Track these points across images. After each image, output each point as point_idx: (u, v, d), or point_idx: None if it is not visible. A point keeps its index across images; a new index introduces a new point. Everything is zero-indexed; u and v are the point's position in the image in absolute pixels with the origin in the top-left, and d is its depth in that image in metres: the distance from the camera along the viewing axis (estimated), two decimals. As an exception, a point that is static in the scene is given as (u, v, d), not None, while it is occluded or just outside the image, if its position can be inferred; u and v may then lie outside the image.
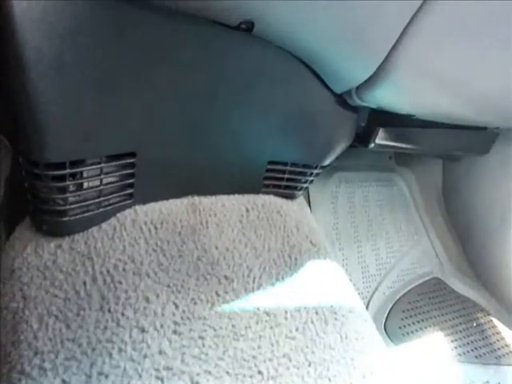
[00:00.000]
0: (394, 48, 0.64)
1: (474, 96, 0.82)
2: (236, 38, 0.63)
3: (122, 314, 0.60)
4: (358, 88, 0.75)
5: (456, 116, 0.95)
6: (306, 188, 0.99)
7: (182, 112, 0.68)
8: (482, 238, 1.36)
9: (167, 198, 0.77)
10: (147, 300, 0.63)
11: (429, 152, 1.26)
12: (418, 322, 1.18)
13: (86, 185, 0.63)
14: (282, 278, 0.78)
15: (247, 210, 0.85)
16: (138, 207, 0.72)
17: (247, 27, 0.61)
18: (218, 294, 0.69)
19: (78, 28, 0.50)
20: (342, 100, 0.82)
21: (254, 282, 0.75)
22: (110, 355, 0.55)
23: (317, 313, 0.76)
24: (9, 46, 0.47)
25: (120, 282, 0.62)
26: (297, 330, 0.70)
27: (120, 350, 0.56)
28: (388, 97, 0.77)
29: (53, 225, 0.63)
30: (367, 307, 1.14)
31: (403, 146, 1.09)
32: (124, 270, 0.64)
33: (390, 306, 1.17)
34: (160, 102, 0.64)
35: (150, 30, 0.56)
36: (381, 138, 1.02)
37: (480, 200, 1.33)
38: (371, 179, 1.32)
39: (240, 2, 0.55)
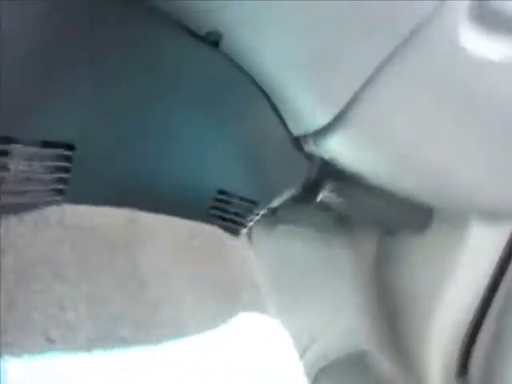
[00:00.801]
0: (352, 99, 0.64)
1: (419, 167, 0.83)
2: (200, 49, 0.63)
3: (30, 318, 0.50)
4: (314, 134, 0.75)
5: (400, 186, 0.96)
6: (251, 228, 0.94)
7: (129, 113, 0.64)
8: (408, 318, 1.35)
9: (103, 205, 0.69)
10: (62, 308, 0.54)
11: (368, 219, 1.27)
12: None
13: (12, 167, 0.55)
14: (217, 315, 0.71)
15: (190, 237, 0.79)
16: (67, 207, 0.64)
17: (214, 39, 0.61)
18: (144, 317, 0.61)
19: None
20: (297, 143, 0.82)
21: (185, 312, 0.67)
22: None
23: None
24: None
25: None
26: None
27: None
28: (342, 149, 0.78)
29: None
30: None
31: (347, 206, 1.09)
32: (41, 269, 0.55)
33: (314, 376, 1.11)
34: (106, 97, 0.61)
35: (105, 16, 0.55)
36: (327, 194, 1.01)
37: (410, 280, 1.33)
38: (311, 238, 1.29)
39: (210, 6, 0.55)
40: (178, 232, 0.77)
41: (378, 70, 0.60)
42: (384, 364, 1.32)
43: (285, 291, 1.15)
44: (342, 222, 1.37)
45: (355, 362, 1.27)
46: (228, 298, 0.75)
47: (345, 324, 1.32)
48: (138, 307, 0.62)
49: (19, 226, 0.57)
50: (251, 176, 0.85)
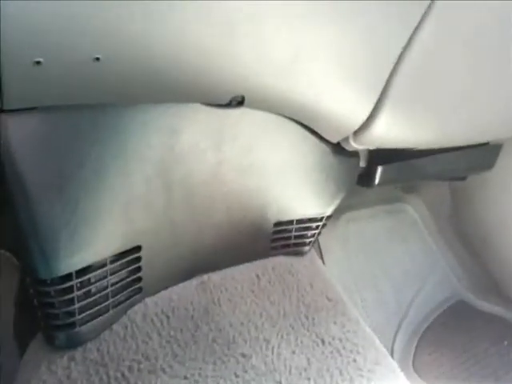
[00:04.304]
0: (384, 89, 0.64)
1: (473, 117, 0.81)
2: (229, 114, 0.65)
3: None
4: (354, 133, 0.74)
5: (457, 140, 0.94)
6: (315, 241, 0.98)
7: (181, 197, 0.69)
8: (502, 251, 1.32)
9: (177, 283, 0.76)
10: None
11: (433, 178, 1.25)
12: (447, 352, 1.15)
13: (93, 290, 0.64)
14: (301, 342, 0.77)
15: (258, 277, 0.84)
16: (147, 299, 0.72)
17: (238, 102, 0.62)
18: (236, 376, 0.69)
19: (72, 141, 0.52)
20: (339, 148, 0.82)
21: (272, 353, 0.74)
22: None
23: (341, 373, 0.74)
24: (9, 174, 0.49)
25: (136, 384, 0.62)
26: None
27: None
28: (385, 136, 0.77)
29: (65, 338, 0.63)
30: (392, 348, 1.12)
31: (406, 178, 1.08)
32: (139, 369, 0.64)
33: (416, 343, 1.14)
34: (154, 192, 0.65)
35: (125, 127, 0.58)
36: (383, 176, 1.01)
37: (493, 213, 1.30)
38: (379, 213, 1.30)
39: (230, 81, 0.56)
40: (245, 279, 0.83)
41: (402, 56, 0.59)
42: (486, 305, 1.31)
43: (367, 273, 1.18)
44: (407, 187, 1.36)
45: (457, 312, 1.28)
46: (307, 324, 0.80)
47: (438, 278, 1.34)
48: (230, 367, 0.69)
49: (111, 336, 0.67)
50: (304, 198, 0.87)
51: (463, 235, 1.41)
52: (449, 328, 1.22)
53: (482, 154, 1.14)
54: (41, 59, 0.41)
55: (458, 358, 1.14)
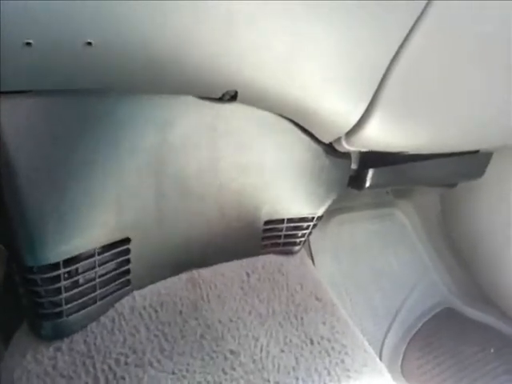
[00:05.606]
0: (377, 91, 0.64)
1: (464, 123, 0.81)
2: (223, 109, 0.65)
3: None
4: (346, 134, 0.75)
5: (448, 146, 0.94)
6: (306, 241, 0.98)
7: (173, 191, 0.69)
8: (490, 259, 1.33)
9: (166, 277, 0.76)
10: None
11: (423, 183, 1.25)
12: (435, 357, 1.15)
13: (81, 280, 0.63)
14: (290, 341, 0.77)
15: (247, 275, 0.84)
16: (136, 292, 0.72)
17: (231, 96, 0.62)
18: (225, 372, 0.68)
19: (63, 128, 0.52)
20: (331, 149, 0.82)
21: (261, 351, 0.73)
22: None
23: (329, 373, 0.74)
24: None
25: (123, 378, 0.61)
26: None
27: None
28: (376, 139, 0.77)
29: (50, 328, 0.62)
30: (381, 351, 1.12)
31: (397, 182, 1.08)
32: (126, 363, 0.63)
33: (405, 347, 1.14)
34: (148, 185, 0.65)
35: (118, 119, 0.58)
36: (373, 179, 1.01)
37: (481, 221, 1.31)
38: (370, 217, 1.31)
39: (223, 74, 0.56)
40: (234, 276, 0.82)
41: (395, 60, 0.60)
42: (474, 312, 1.32)
43: (357, 276, 1.18)
44: (399, 193, 1.36)
45: (445, 318, 1.28)
46: (296, 324, 0.79)
47: (427, 284, 1.34)
48: (218, 363, 0.69)
49: (99, 328, 0.66)
50: (295, 196, 0.87)
51: (452, 242, 1.42)
52: (437, 334, 1.22)
53: (472, 162, 1.15)
54: (31, 40, 0.40)
55: (446, 363, 1.14)
